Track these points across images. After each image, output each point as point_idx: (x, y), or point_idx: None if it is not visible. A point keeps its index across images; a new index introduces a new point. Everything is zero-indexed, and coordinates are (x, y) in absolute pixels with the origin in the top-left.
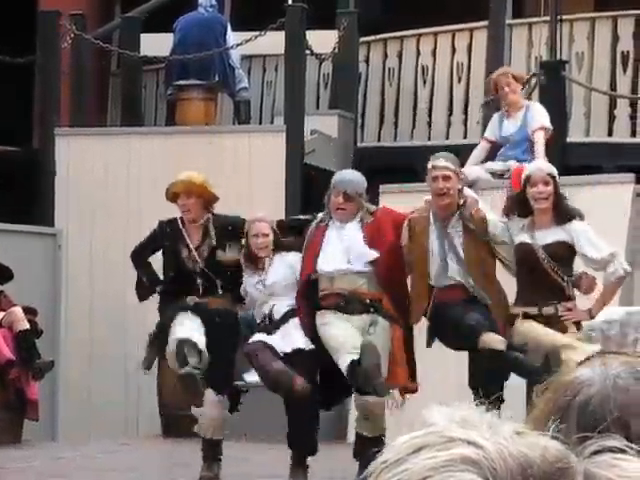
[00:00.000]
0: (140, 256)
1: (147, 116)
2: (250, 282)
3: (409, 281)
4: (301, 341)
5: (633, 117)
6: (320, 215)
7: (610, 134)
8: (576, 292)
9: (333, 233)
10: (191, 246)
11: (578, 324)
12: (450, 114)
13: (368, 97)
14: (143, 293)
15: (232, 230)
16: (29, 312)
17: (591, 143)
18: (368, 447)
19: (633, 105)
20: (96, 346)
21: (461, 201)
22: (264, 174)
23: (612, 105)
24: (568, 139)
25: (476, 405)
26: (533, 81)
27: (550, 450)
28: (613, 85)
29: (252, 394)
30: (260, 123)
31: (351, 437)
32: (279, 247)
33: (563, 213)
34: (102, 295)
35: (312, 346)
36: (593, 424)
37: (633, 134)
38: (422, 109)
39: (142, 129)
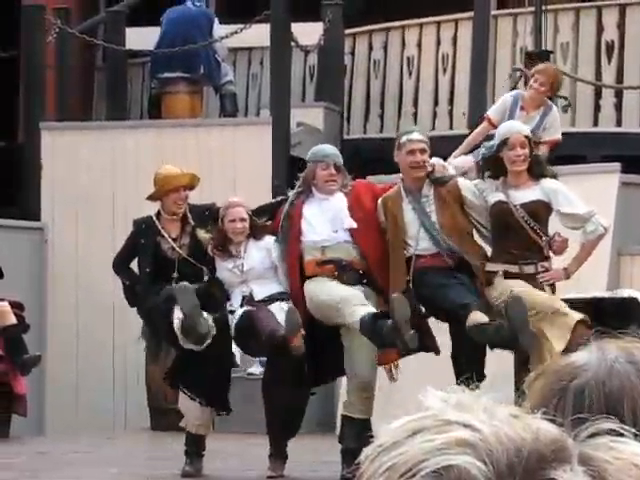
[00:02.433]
0: (122, 265)
1: (133, 110)
2: (224, 266)
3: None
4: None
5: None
6: (291, 194)
7: (595, 124)
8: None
9: (314, 206)
10: (170, 237)
11: (553, 285)
12: (436, 105)
13: (354, 89)
14: (132, 298)
15: (209, 215)
16: (16, 307)
17: (576, 133)
18: (355, 430)
19: (618, 95)
20: (83, 340)
21: (429, 169)
22: (250, 167)
23: (597, 95)
24: None
25: (464, 386)
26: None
27: (545, 432)
28: (598, 75)
29: (255, 386)
30: (246, 116)
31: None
32: (253, 232)
33: (537, 172)
34: (89, 289)
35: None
36: (589, 408)
37: (618, 124)
38: (408, 100)
39: (128, 123)
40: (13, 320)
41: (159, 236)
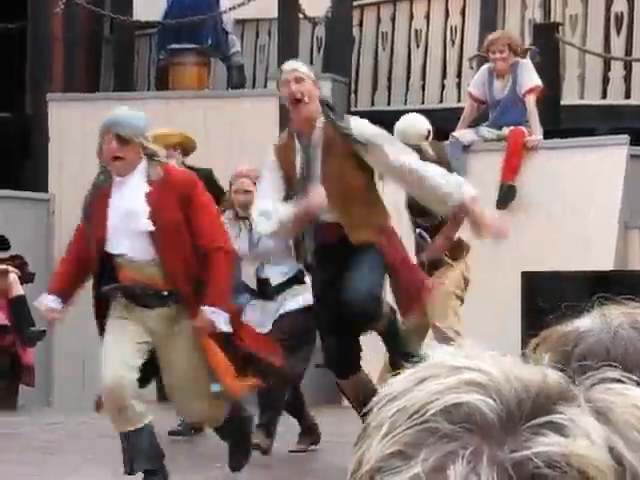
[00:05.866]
0: None
1: (140, 81)
2: (236, 241)
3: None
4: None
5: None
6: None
7: (604, 96)
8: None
9: (116, 195)
10: None
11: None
12: (444, 77)
13: (361, 61)
14: None
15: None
16: (15, 259)
17: (585, 105)
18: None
19: (627, 67)
20: (90, 311)
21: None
22: (257, 138)
23: (606, 67)
24: (562, 101)
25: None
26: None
27: (552, 376)
28: (607, 47)
29: None
30: (253, 87)
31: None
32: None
33: None
34: None
35: (308, 302)
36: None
37: (627, 96)
38: (416, 72)
39: (135, 94)
40: (20, 291)
41: None
